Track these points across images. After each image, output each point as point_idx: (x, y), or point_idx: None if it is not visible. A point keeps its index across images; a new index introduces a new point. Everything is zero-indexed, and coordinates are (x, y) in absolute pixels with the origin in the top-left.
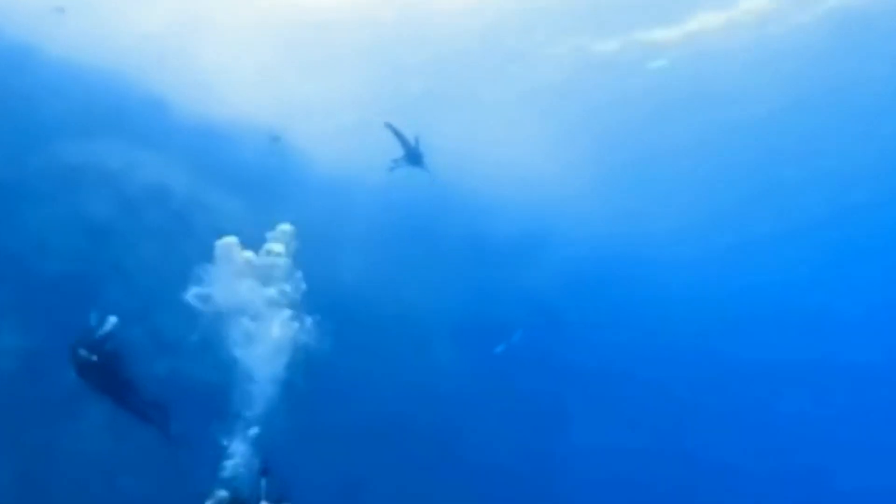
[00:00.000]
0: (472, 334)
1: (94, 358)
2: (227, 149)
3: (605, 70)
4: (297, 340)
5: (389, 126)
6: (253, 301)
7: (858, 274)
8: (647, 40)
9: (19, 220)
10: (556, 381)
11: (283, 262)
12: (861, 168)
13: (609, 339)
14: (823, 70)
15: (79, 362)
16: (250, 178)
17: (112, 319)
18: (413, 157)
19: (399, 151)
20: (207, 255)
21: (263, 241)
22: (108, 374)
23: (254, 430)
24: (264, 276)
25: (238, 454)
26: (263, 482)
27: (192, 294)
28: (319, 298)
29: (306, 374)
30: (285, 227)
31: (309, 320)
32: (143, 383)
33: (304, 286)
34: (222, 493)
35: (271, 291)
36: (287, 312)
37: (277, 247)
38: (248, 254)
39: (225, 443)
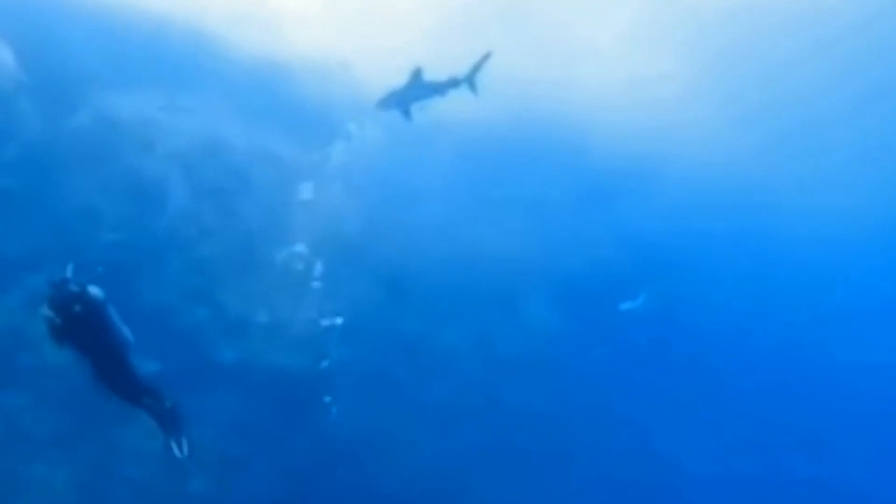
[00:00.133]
0: (574, 294)
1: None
2: (287, 90)
3: None
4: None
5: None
6: None
7: None
8: None
9: (64, 186)
10: (677, 352)
11: None
12: None
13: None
14: None
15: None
16: (314, 122)
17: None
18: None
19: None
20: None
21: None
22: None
23: None
24: None
25: None
26: None
27: None
28: (392, 258)
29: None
30: None
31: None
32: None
33: None
34: None
35: None
36: None
37: None
38: None
39: None
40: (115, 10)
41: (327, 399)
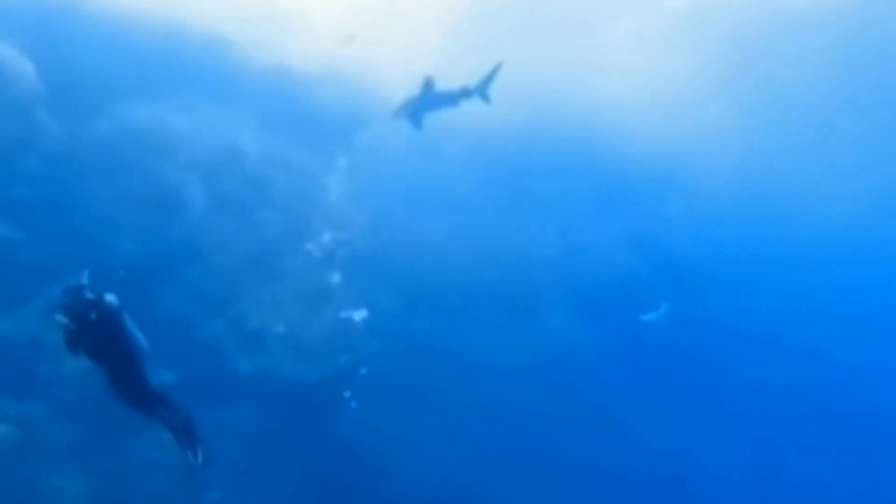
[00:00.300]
0: (593, 302)
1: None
2: (304, 98)
3: None
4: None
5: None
6: None
7: None
8: None
9: (83, 195)
10: (707, 360)
11: None
12: None
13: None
14: None
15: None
16: (331, 130)
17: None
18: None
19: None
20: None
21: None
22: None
23: None
24: None
25: None
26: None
27: None
28: (409, 266)
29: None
30: None
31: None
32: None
33: None
34: None
35: None
36: None
37: None
38: None
39: None
40: (133, 19)
41: (348, 398)
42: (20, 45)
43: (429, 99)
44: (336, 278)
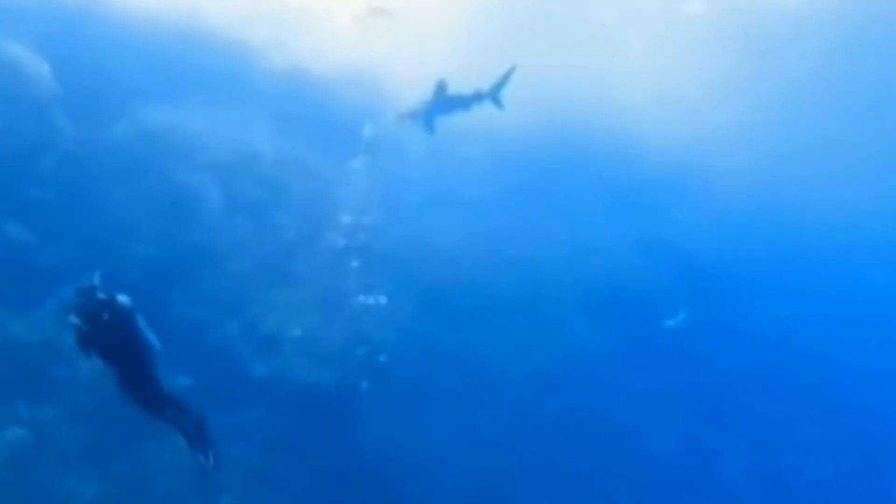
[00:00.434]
0: (614, 307)
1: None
2: (320, 100)
3: None
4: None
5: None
6: None
7: None
8: None
9: (98, 198)
10: (726, 369)
11: None
12: None
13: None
14: None
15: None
16: (348, 132)
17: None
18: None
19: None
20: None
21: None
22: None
23: None
24: None
25: None
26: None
27: None
28: (425, 269)
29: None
30: None
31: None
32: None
33: None
34: None
35: None
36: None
37: None
38: None
39: None
40: (149, 21)
41: (365, 387)
42: (36, 46)
43: (441, 103)
44: (352, 282)
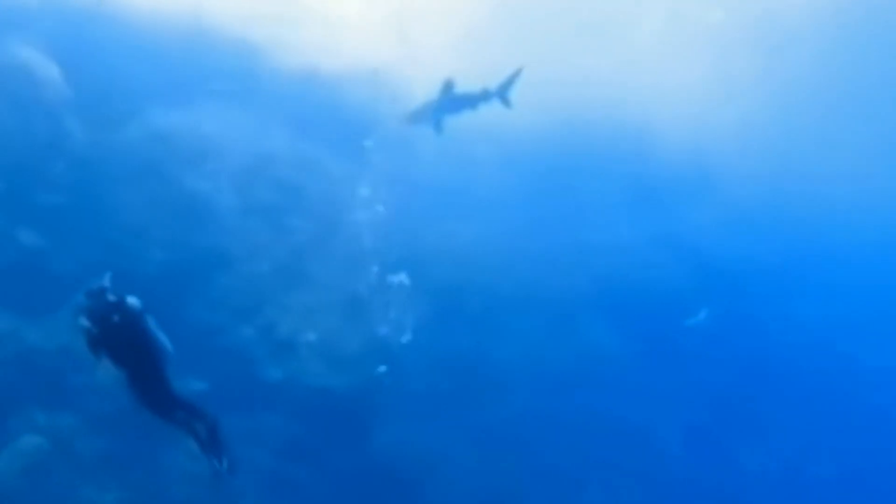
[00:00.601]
0: (631, 308)
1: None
2: (335, 101)
3: None
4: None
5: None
6: None
7: None
8: None
9: (112, 202)
10: (744, 369)
11: None
12: None
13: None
14: None
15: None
16: (363, 133)
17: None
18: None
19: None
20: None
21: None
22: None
23: None
24: None
25: None
26: None
27: None
28: (442, 273)
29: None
30: None
31: None
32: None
33: None
34: None
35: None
36: None
37: None
38: None
39: None
40: (160, 23)
41: (383, 371)
42: (47, 49)
43: (448, 102)
44: (367, 285)
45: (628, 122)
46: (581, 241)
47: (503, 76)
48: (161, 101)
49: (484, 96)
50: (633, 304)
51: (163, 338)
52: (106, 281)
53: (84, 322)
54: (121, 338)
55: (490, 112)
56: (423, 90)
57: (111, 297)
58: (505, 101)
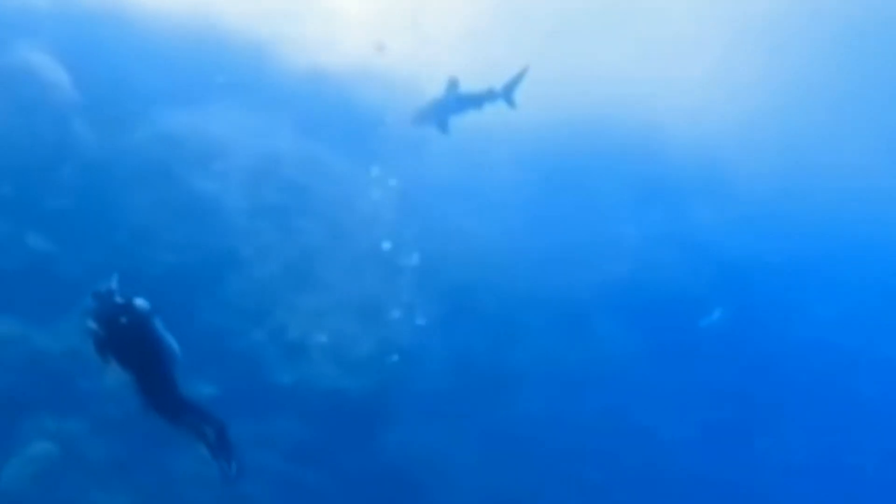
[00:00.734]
0: (646, 308)
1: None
2: (343, 101)
3: None
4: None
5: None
6: None
7: None
8: None
9: (121, 205)
10: (759, 369)
11: None
12: None
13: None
14: None
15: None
16: (372, 133)
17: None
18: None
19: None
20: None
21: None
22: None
23: None
24: None
25: None
26: None
27: None
28: (454, 274)
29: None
30: None
31: None
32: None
33: None
34: None
35: None
36: None
37: None
38: None
39: None
40: (168, 26)
41: (395, 360)
42: (55, 53)
43: (453, 102)
44: (378, 286)
45: (641, 119)
46: (594, 241)
47: (509, 75)
48: (168, 102)
49: (489, 96)
50: (647, 304)
51: (171, 340)
52: (113, 282)
53: (91, 324)
54: (128, 340)
55: (502, 111)
56: (431, 88)
57: (118, 299)
58: (510, 101)
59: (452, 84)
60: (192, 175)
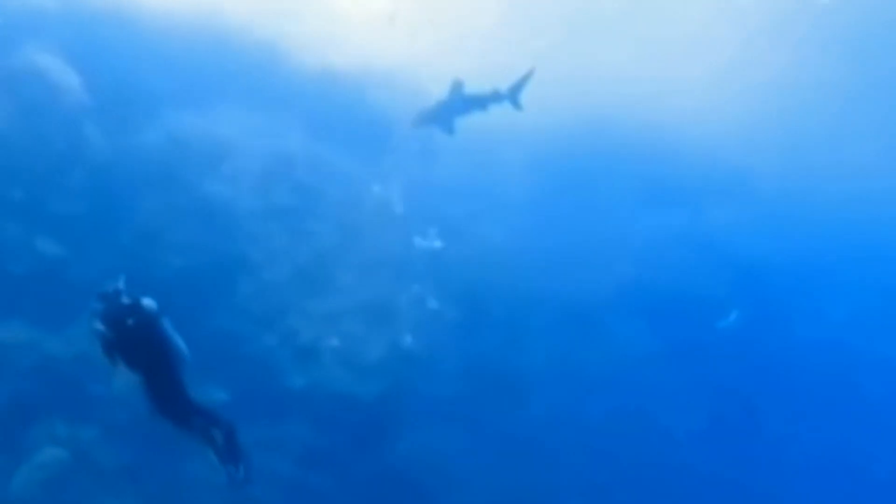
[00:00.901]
0: (661, 309)
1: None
2: (353, 102)
3: None
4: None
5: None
6: None
7: None
8: None
9: (131, 209)
10: (774, 371)
11: None
12: None
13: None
14: None
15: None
16: (383, 134)
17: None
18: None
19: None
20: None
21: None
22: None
23: None
24: None
25: None
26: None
27: None
28: (467, 276)
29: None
30: None
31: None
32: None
33: None
34: None
35: None
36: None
37: None
38: None
39: None
40: (178, 28)
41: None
42: (65, 55)
43: (458, 103)
44: (390, 289)
45: (650, 120)
46: (605, 242)
47: (516, 76)
48: (177, 104)
49: (495, 97)
50: (661, 305)
51: (179, 341)
52: (120, 283)
53: (98, 326)
54: (136, 341)
55: (512, 112)
56: (436, 90)
57: (126, 300)
58: (515, 102)
59: (457, 86)
60: (202, 178)
